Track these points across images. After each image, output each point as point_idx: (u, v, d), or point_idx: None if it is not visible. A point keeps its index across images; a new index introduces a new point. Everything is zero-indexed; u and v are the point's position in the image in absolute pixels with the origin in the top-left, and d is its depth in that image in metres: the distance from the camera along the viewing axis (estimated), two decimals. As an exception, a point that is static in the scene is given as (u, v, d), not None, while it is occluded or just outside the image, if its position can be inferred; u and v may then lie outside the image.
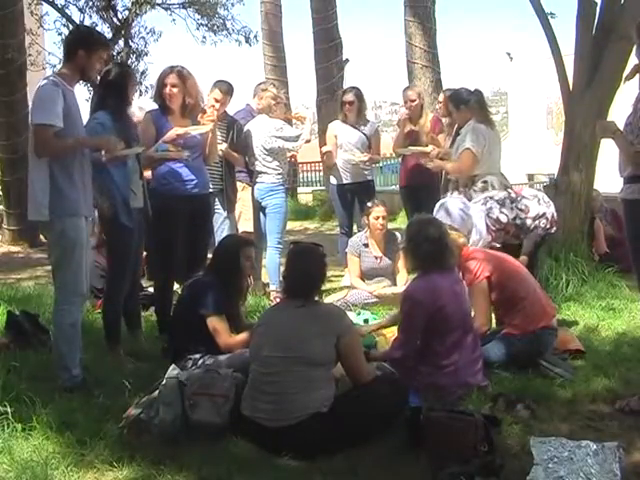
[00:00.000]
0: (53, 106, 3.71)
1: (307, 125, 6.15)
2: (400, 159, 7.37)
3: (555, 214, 5.14)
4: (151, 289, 5.59)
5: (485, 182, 5.39)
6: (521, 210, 5.00)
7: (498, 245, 4.93)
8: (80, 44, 3.88)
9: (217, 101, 5.66)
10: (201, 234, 4.99)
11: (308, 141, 6.20)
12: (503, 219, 4.96)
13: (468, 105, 5.59)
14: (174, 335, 4.20)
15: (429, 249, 3.77)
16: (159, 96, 4.83)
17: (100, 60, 4.00)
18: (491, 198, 5.07)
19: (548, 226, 5.06)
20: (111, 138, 4.03)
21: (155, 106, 4.96)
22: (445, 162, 5.77)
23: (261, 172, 6.08)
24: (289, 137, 6.01)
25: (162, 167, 4.74)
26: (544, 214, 5.03)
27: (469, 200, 5.30)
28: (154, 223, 4.60)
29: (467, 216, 4.80)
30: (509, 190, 5.28)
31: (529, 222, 5.01)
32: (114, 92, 4.30)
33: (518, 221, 4.99)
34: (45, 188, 3.76)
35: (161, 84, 4.80)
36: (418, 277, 3.90)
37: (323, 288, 3.68)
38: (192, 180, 4.79)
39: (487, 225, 4.91)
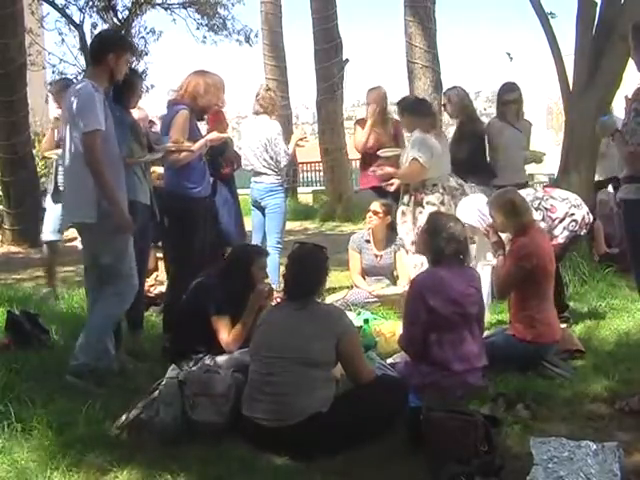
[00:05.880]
0: (96, 110, 3.74)
1: (292, 142, 6.18)
2: None
3: (588, 216, 4.94)
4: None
5: (435, 185, 5.50)
6: (547, 209, 4.85)
7: None
8: (110, 48, 3.91)
9: None
10: (207, 235, 5.00)
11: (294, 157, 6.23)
12: None
13: (412, 113, 5.70)
14: (177, 335, 4.20)
15: (444, 244, 3.78)
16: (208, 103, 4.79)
17: (127, 63, 4.07)
18: None
19: (577, 228, 4.89)
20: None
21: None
22: (394, 171, 5.67)
23: (260, 172, 6.07)
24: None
25: (186, 170, 4.67)
26: (573, 215, 4.87)
27: (420, 203, 5.44)
28: (173, 225, 4.64)
29: (485, 217, 4.66)
30: (536, 188, 5.14)
31: (555, 222, 4.85)
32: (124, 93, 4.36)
33: (542, 222, 4.79)
34: (91, 191, 3.78)
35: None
36: (427, 269, 3.92)
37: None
38: (209, 181, 4.87)
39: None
